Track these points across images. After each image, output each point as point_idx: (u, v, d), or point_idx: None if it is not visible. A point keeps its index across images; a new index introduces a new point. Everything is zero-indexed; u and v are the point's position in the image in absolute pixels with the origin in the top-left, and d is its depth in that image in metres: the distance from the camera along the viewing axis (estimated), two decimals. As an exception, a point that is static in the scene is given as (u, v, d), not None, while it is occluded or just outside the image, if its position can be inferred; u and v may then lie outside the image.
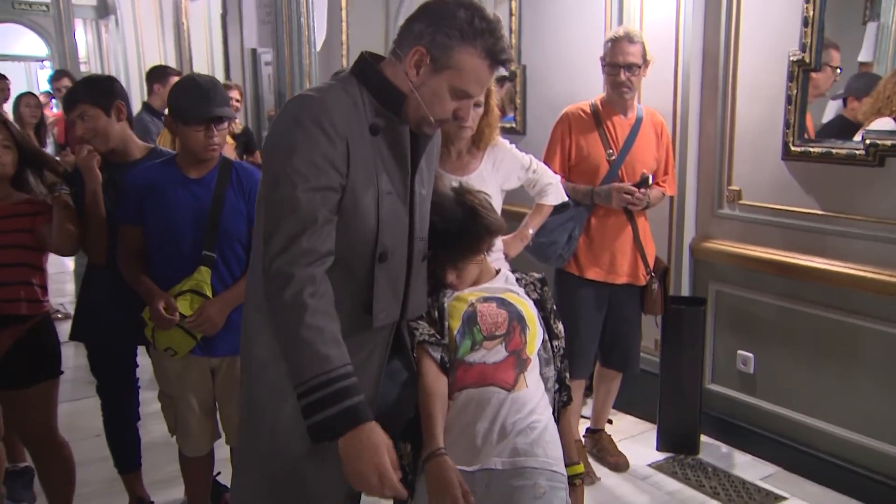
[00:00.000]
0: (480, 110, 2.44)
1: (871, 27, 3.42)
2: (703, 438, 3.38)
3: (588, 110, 2.99)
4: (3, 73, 5.82)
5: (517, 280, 1.97)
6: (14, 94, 5.52)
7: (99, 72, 8.49)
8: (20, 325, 2.36)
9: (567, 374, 1.93)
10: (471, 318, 1.79)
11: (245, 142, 4.81)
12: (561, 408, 1.91)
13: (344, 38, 5.46)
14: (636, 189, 2.87)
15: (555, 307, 1.97)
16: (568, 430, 1.92)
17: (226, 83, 4.85)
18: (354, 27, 5.48)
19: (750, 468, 3.18)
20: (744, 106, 3.17)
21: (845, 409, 2.95)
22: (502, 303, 1.84)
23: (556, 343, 1.91)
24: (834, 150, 2.87)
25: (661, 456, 3.29)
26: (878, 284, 2.76)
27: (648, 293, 3.02)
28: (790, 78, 2.95)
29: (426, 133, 1.59)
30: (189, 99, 2.26)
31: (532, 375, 1.80)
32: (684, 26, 3.25)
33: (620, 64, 2.85)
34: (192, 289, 2.26)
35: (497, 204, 2.42)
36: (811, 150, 2.93)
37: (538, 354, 1.85)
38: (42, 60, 11.53)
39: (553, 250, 2.92)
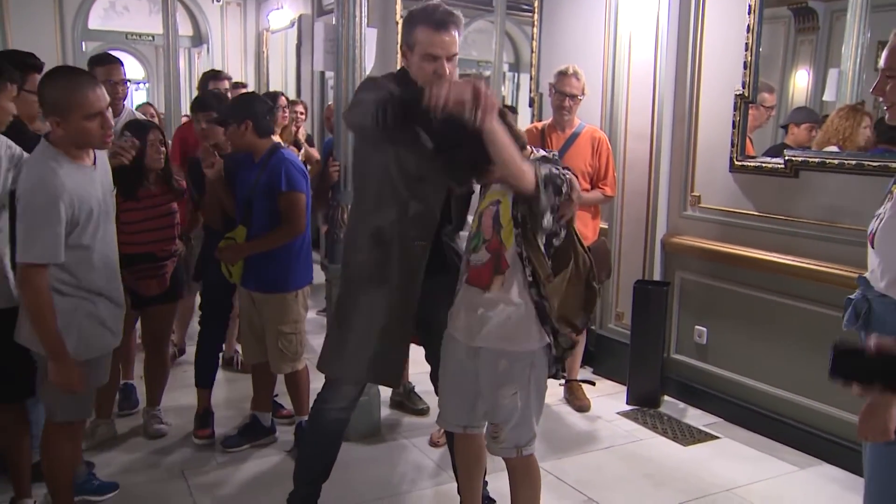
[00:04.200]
0: None
1: (833, 73, 4.20)
2: (666, 398, 4.17)
3: (539, 127, 3.99)
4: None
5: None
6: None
7: (190, 91, 9.79)
8: (171, 259, 3.43)
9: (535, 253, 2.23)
10: (480, 220, 2.33)
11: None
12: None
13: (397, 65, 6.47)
14: None
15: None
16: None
17: (293, 100, 5.91)
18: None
19: (698, 418, 3.95)
20: (703, 129, 3.99)
21: (774, 371, 3.70)
22: (497, 207, 2.29)
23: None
24: (763, 165, 3.67)
25: (628, 408, 4.09)
26: (796, 270, 3.52)
27: None
28: (735, 108, 3.78)
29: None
30: None
31: (509, 276, 2.25)
32: (661, 67, 4.09)
33: (566, 93, 3.80)
34: (232, 237, 3.25)
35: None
36: (748, 164, 3.74)
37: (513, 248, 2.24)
38: (139, 83, 13.03)
39: None
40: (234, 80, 5.46)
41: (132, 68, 12.43)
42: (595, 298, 2.39)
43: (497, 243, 2.26)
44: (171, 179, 3.45)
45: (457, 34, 2.39)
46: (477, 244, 2.32)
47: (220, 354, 3.86)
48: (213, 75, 4.75)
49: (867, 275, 2.02)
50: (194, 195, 3.51)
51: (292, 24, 8.52)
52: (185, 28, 9.45)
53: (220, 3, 9.37)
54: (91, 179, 2.47)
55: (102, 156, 2.60)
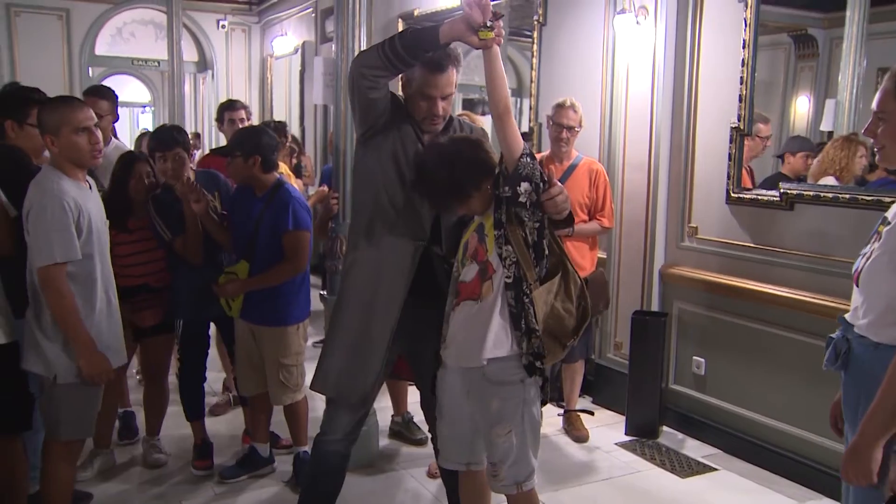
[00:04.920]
0: None
1: (830, 103, 4.24)
2: (665, 429, 4.16)
3: (538, 158, 3.92)
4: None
5: None
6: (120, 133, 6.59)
7: (195, 115, 9.92)
8: (167, 289, 3.45)
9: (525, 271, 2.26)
10: (464, 249, 2.38)
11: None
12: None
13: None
14: None
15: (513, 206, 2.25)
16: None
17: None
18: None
19: (696, 449, 3.94)
20: (700, 161, 4.03)
21: (772, 402, 3.70)
22: (479, 227, 2.34)
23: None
24: (759, 197, 3.70)
25: (627, 438, 4.08)
26: (792, 302, 3.54)
27: None
28: (730, 140, 3.81)
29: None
30: None
31: (497, 280, 2.27)
32: (658, 99, 4.13)
33: (563, 125, 3.83)
34: (233, 271, 3.26)
35: None
36: (744, 196, 3.77)
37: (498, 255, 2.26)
38: (144, 106, 13.19)
39: None
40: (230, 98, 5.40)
41: (138, 92, 12.61)
42: (586, 319, 2.39)
43: (483, 252, 2.30)
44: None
45: (454, 72, 2.46)
46: (464, 263, 2.37)
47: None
48: (229, 105, 4.62)
49: (848, 314, 2.04)
50: (165, 234, 3.38)
51: (296, 51, 8.63)
52: (189, 53, 9.57)
53: (226, 28, 9.49)
54: (89, 198, 2.63)
55: (95, 189, 2.75)
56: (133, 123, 15.17)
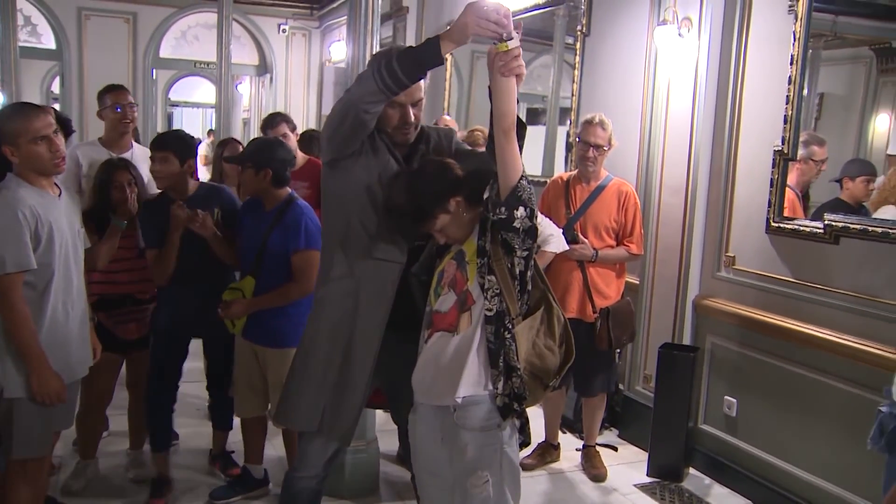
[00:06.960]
0: None
1: (900, 123, 3.88)
2: (692, 471, 3.86)
3: (564, 178, 3.76)
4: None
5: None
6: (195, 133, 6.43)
7: (255, 118, 10.02)
8: (153, 302, 3.36)
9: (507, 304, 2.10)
10: (439, 277, 2.23)
11: None
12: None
13: (446, 103, 6.48)
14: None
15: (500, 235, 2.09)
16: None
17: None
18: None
19: (723, 498, 3.63)
20: (740, 186, 3.71)
21: (807, 455, 3.36)
22: (459, 254, 2.19)
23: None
24: (801, 228, 3.37)
25: (648, 480, 3.80)
26: (833, 345, 3.20)
27: (594, 329, 3.58)
28: (773, 165, 3.49)
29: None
30: None
31: (476, 312, 2.12)
32: (698, 117, 3.84)
33: (591, 143, 3.56)
34: (238, 288, 3.12)
35: None
36: (784, 226, 3.45)
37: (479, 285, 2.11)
38: (214, 107, 13.50)
39: None
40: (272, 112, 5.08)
41: (208, 93, 12.87)
42: (570, 358, 2.21)
43: (463, 280, 2.14)
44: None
45: (422, 80, 2.28)
46: (439, 292, 2.21)
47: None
48: (269, 121, 4.28)
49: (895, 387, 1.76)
50: (141, 245, 3.24)
51: (352, 56, 8.60)
52: (251, 57, 9.69)
53: (286, 33, 9.56)
54: (54, 206, 2.53)
55: (69, 196, 2.68)
56: (206, 123, 15.63)
